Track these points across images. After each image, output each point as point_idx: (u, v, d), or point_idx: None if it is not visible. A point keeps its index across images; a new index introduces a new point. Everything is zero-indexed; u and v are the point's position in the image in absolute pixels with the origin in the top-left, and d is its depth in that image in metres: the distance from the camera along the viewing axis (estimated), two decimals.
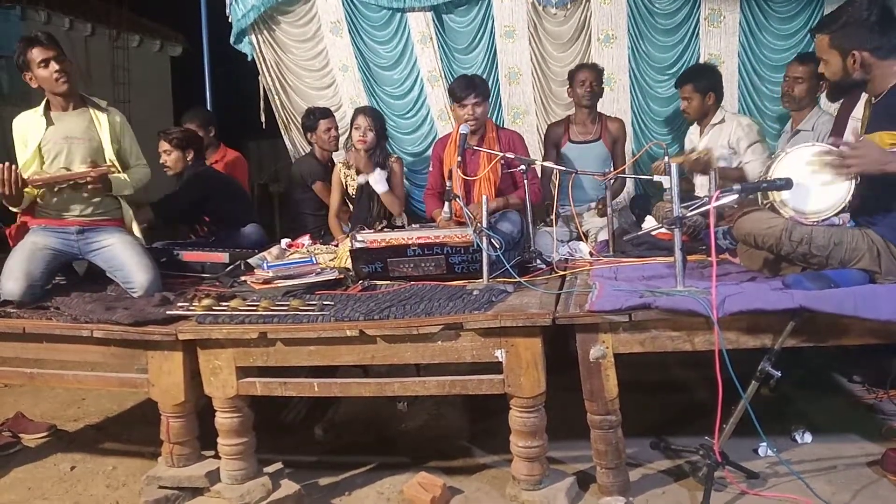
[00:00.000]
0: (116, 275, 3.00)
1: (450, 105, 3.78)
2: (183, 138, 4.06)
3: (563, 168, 3.48)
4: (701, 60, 4.51)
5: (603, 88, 4.17)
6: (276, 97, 5.27)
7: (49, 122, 3.01)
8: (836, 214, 2.32)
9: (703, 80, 3.82)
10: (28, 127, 3.02)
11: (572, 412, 2.38)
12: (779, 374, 2.09)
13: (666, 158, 3.12)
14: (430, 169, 3.92)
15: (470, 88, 3.54)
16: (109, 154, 3.10)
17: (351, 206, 4.14)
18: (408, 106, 5.04)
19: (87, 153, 3.04)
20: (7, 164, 2.82)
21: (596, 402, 2.24)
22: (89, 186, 2.96)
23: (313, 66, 5.16)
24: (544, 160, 4.05)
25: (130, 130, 3.25)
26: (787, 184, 2.24)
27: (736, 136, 3.72)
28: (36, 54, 2.94)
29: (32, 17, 9.01)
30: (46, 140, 2.99)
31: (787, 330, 2.08)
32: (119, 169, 3.13)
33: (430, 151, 4.41)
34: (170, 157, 4.05)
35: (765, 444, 2.47)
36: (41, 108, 3.04)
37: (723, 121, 3.80)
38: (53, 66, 2.95)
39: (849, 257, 2.30)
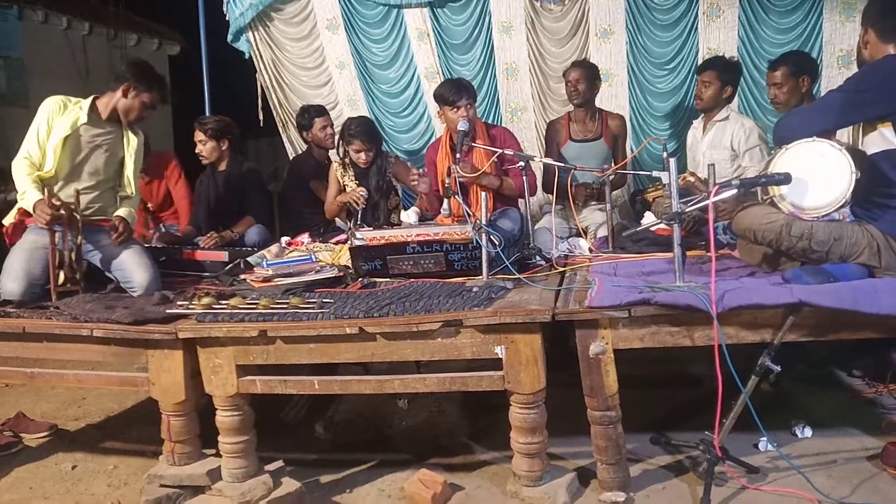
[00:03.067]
0: (116, 274, 3.00)
1: (437, 110, 3.74)
2: (219, 128, 4.10)
3: (563, 164, 3.48)
4: (700, 55, 4.51)
5: (597, 85, 4.12)
6: (273, 95, 5.27)
7: (87, 121, 3.01)
8: (837, 210, 2.32)
9: (728, 71, 3.79)
10: (64, 112, 3.00)
11: (572, 408, 2.38)
12: (778, 368, 2.10)
13: (665, 154, 3.12)
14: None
15: (462, 91, 3.54)
16: (129, 173, 3.17)
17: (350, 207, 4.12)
18: (404, 103, 5.04)
19: (101, 164, 3.07)
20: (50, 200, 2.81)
21: (596, 398, 2.24)
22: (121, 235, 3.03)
23: (309, 64, 5.16)
24: (546, 157, 4.05)
25: (143, 154, 3.30)
26: (785, 178, 2.24)
27: (738, 138, 3.69)
28: (154, 99, 3.12)
29: (30, 16, 8.97)
30: (76, 135, 2.99)
31: (786, 324, 2.08)
32: (133, 191, 3.23)
33: (426, 150, 4.41)
34: (205, 146, 4.10)
35: (765, 438, 2.47)
36: (87, 104, 3.04)
37: (727, 118, 3.77)
38: (149, 112, 3.13)
39: (849, 252, 2.30)
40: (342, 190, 4.08)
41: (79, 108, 3.02)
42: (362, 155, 3.84)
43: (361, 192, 3.77)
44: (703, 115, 3.92)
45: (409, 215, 3.82)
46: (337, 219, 4.17)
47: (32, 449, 3.06)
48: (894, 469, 2.29)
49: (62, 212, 2.81)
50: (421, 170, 3.65)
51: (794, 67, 3.48)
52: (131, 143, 3.17)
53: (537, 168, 4.21)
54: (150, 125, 4.93)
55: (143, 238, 4.29)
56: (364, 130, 3.85)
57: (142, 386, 2.54)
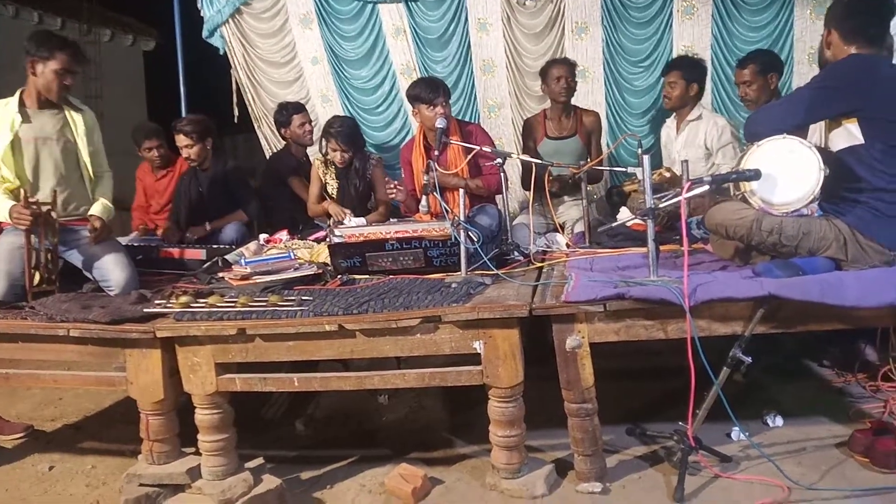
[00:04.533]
0: (93, 273, 2.98)
1: (411, 109, 3.76)
2: (201, 129, 4.09)
3: (540, 161, 3.51)
4: (674, 52, 4.57)
5: (576, 82, 4.19)
6: (247, 92, 5.23)
7: (24, 119, 2.94)
8: (805, 205, 2.38)
9: (692, 70, 3.85)
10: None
11: (550, 401, 2.42)
12: (749, 359, 2.15)
13: (639, 151, 3.16)
14: (403, 175, 3.94)
15: (439, 89, 3.57)
16: (85, 157, 3.08)
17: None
18: (379, 100, 5.01)
19: (59, 155, 3.00)
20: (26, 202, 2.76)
21: (573, 391, 2.28)
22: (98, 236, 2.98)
23: (279, 60, 5.11)
24: (524, 153, 4.09)
25: (99, 129, 3.21)
26: (755, 174, 2.29)
27: (710, 137, 3.76)
28: (63, 61, 2.90)
29: (0, 11, 8.80)
30: (19, 138, 2.93)
31: (756, 317, 2.14)
32: (92, 176, 3.14)
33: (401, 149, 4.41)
34: (192, 150, 4.09)
35: (737, 428, 2.52)
36: (15, 101, 2.95)
37: (699, 117, 3.84)
38: (68, 80, 2.94)
39: (817, 246, 2.36)
40: (324, 187, 4.09)
41: (10, 109, 2.92)
42: (337, 155, 3.87)
43: (348, 213, 3.78)
44: (675, 114, 3.98)
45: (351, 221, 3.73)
46: None
47: (8, 450, 3.02)
48: (861, 455, 2.36)
49: (40, 209, 2.78)
50: (396, 180, 3.68)
51: (761, 65, 3.56)
52: (77, 124, 3.05)
53: (514, 165, 4.25)
54: (122, 120, 4.87)
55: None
56: (343, 133, 3.85)
57: (120, 385, 2.53)
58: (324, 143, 3.96)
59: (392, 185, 3.61)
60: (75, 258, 3.02)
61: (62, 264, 3.01)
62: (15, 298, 2.79)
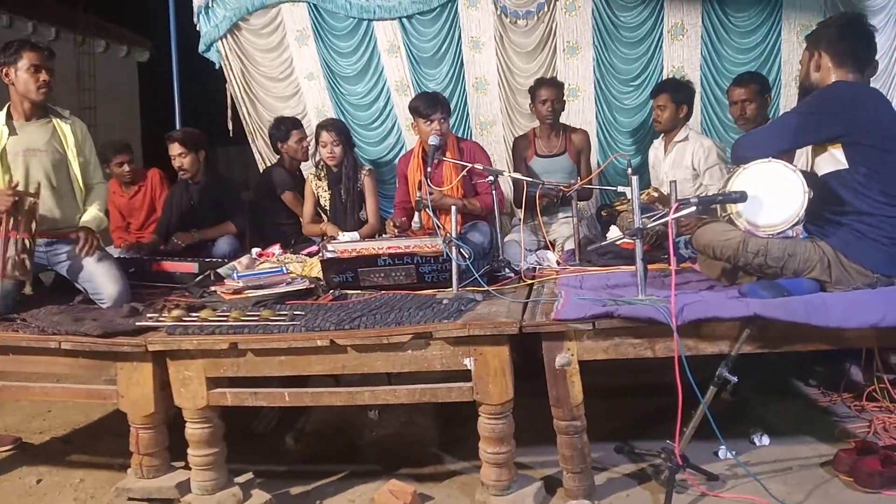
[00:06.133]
0: (85, 286, 2.98)
1: (411, 122, 3.83)
2: (195, 140, 4.12)
3: (531, 179, 3.55)
4: (664, 72, 4.64)
5: (564, 102, 4.23)
6: (243, 106, 5.25)
7: (11, 132, 2.96)
8: (790, 227, 2.42)
9: (680, 92, 3.89)
10: None
11: (539, 418, 2.43)
12: (735, 379, 2.17)
13: (629, 171, 3.21)
14: (397, 186, 3.97)
15: (437, 105, 3.62)
16: (75, 168, 3.07)
17: (324, 218, 4.16)
18: (374, 115, 5.06)
19: (49, 167, 3.00)
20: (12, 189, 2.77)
21: (562, 408, 2.30)
22: (84, 248, 2.97)
23: (277, 75, 5.15)
24: (515, 172, 4.14)
25: (91, 140, 3.22)
26: (741, 197, 2.34)
27: (697, 158, 3.80)
28: (31, 57, 2.91)
29: None
30: (7, 150, 2.94)
31: (742, 337, 2.17)
32: (82, 187, 3.12)
33: (397, 161, 4.45)
34: (185, 159, 4.11)
35: (724, 446, 2.55)
36: (2, 115, 2.97)
37: (686, 139, 3.89)
38: (43, 75, 2.93)
39: (802, 268, 2.41)
40: (317, 202, 4.13)
41: None
42: (328, 148, 3.90)
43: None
44: (663, 135, 4.03)
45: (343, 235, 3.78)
46: None
47: None
48: (845, 475, 2.38)
49: (24, 197, 2.77)
50: (389, 217, 3.74)
51: (760, 85, 3.64)
52: (67, 136, 3.06)
53: (506, 183, 4.30)
54: (116, 132, 4.88)
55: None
56: (335, 124, 4.02)
57: (110, 398, 2.53)
58: (318, 149, 4.00)
59: (389, 225, 3.63)
60: (67, 271, 3.02)
61: (55, 277, 3.01)
62: (6, 311, 2.78)
